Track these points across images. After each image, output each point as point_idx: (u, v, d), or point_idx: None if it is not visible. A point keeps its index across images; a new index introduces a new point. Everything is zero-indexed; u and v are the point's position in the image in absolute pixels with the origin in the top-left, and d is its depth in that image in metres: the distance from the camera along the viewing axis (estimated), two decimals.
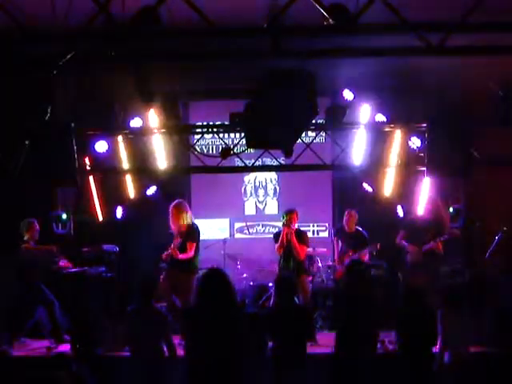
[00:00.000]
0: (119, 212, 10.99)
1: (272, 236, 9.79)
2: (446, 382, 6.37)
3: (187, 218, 9.06)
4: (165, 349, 6.36)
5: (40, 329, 9.14)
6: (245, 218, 12.16)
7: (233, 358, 5.30)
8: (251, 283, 10.78)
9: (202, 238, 9.20)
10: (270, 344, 6.58)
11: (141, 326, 6.35)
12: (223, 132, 10.88)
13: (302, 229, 9.87)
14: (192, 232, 9.03)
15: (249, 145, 7.28)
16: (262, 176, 12.25)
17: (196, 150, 10.63)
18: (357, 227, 10.07)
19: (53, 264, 9.16)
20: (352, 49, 6.38)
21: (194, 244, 8.96)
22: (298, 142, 7.19)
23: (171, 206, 9.13)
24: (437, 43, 5.82)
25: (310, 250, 10.05)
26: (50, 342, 8.73)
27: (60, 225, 10.75)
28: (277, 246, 9.34)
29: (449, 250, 9.97)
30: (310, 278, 10.00)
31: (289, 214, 9.34)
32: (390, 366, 6.51)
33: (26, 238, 9.11)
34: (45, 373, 3.91)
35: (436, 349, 6.56)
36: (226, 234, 11.73)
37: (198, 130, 10.73)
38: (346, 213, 10.18)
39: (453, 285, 6.89)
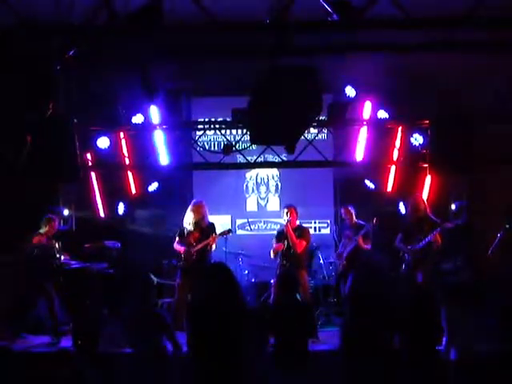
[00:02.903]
0: (121, 208, 11.00)
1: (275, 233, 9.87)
2: (451, 379, 6.34)
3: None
4: (169, 346, 6.36)
5: (41, 325, 9.14)
6: (246, 214, 12.14)
7: (235, 352, 5.29)
8: (253, 280, 10.77)
9: None
10: (272, 341, 6.58)
11: (140, 326, 6.33)
12: (225, 128, 10.88)
13: (304, 225, 9.90)
14: (214, 227, 9.53)
15: (252, 141, 7.27)
16: (263, 172, 12.22)
17: (198, 146, 10.62)
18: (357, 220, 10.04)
19: (52, 260, 9.13)
20: (356, 44, 6.37)
21: None
22: (300, 138, 7.17)
23: (193, 203, 9.57)
24: (441, 39, 5.81)
25: (312, 245, 10.07)
26: (51, 339, 8.72)
27: (62, 221, 10.77)
28: (275, 246, 9.48)
29: (451, 247, 9.96)
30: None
31: (285, 210, 9.51)
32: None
33: (42, 230, 9.13)
34: (46, 369, 3.89)
35: (441, 346, 6.54)
36: None
37: (200, 126, 10.72)
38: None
39: (458, 281, 6.83)
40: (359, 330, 6.23)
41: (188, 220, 9.44)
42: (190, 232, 9.39)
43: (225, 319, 5.25)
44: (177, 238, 9.49)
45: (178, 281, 9.37)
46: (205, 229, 9.40)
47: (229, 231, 9.80)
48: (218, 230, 9.63)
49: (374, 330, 6.21)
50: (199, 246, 9.24)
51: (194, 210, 9.41)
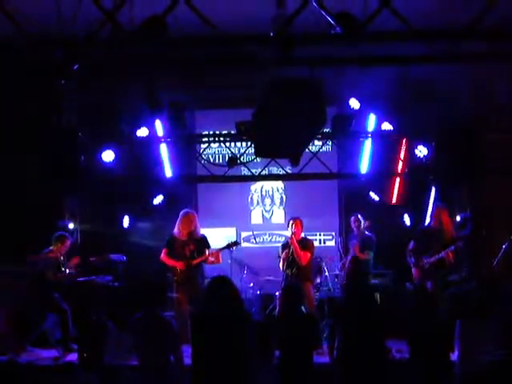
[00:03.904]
0: (126, 221, 11.00)
1: (280, 245, 9.83)
2: None
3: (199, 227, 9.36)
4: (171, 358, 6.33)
5: (47, 338, 9.12)
6: (251, 227, 12.13)
7: (240, 365, 5.28)
8: (258, 292, 10.73)
9: None
10: (277, 352, 6.56)
11: (147, 334, 6.31)
12: (230, 141, 10.90)
13: (308, 237, 9.88)
14: (207, 239, 9.35)
15: (257, 154, 7.28)
16: (268, 185, 12.21)
17: (203, 159, 10.64)
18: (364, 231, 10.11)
19: (57, 272, 9.12)
20: (360, 57, 6.38)
21: None
22: (304, 151, 7.20)
23: (186, 213, 9.34)
24: (444, 51, 5.82)
25: (316, 259, 10.06)
26: (57, 352, 8.70)
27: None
28: (283, 255, 9.41)
29: (456, 258, 9.95)
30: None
31: (291, 222, 9.46)
32: (397, 374, 6.46)
33: (53, 247, 9.10)
34: (52, 382, 3.89)
35: (453, 358, 6.52)
36: None
37: (205, 139, 10.75)
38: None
39: (463, 292, 6.81)
40: (354, 341, 6.24)
41: (180, 231, 9.27)
42: (182, 243, 9.21)
43: (229, 332, 5.25)
44: (164, 249, 9.30)
45: (175, 295, 9.29)
46: (198, 240, 9.22)
47: (235, 243, 9.63)
48: (223, 243, 9.61)
49: (370, 341, 6.22)
50: (198, 260, 9.11)
51: (185, 221, 9.23)
